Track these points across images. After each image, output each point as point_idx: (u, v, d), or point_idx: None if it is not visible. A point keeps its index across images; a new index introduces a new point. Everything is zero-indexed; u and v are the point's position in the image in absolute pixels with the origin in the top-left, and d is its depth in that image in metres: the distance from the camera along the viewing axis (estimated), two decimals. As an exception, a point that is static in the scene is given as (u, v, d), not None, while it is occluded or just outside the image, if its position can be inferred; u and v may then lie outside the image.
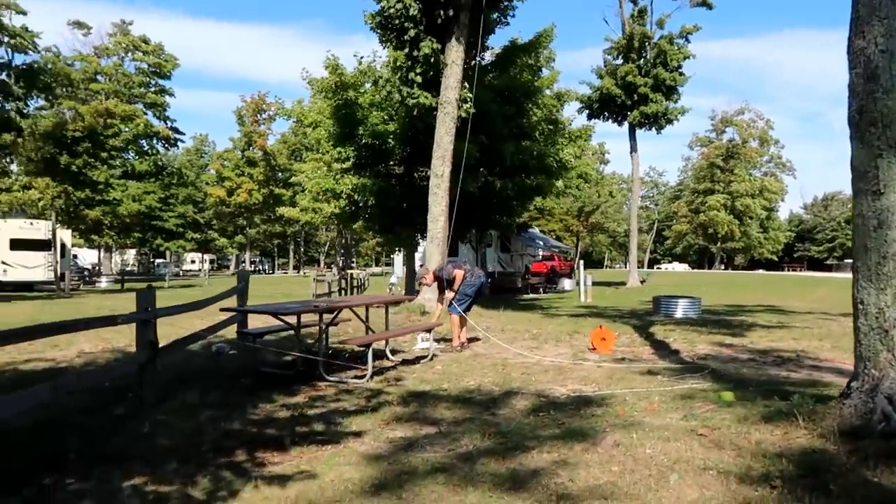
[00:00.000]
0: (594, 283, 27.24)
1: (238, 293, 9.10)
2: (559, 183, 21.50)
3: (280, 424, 5.20)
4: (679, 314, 15.03)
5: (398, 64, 13.11)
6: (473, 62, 13.99)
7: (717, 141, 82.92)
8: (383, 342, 8.03)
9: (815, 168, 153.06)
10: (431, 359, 7.96)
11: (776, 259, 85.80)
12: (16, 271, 30.50)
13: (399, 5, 12.37)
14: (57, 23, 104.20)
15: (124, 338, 10.01)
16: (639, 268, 39.49)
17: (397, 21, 12.61)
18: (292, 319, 6.87)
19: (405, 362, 7.87)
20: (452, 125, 12.76)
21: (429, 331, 8.16)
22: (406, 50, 12.78)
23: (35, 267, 30.97)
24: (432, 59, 12.61)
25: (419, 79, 13.09)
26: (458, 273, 8.92)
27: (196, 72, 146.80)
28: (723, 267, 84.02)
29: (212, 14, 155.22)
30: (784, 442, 4.08)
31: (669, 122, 31.30)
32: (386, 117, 18.03)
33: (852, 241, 4.38)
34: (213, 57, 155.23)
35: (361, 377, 6.91)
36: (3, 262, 30.38)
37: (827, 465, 3.64)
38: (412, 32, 12.57)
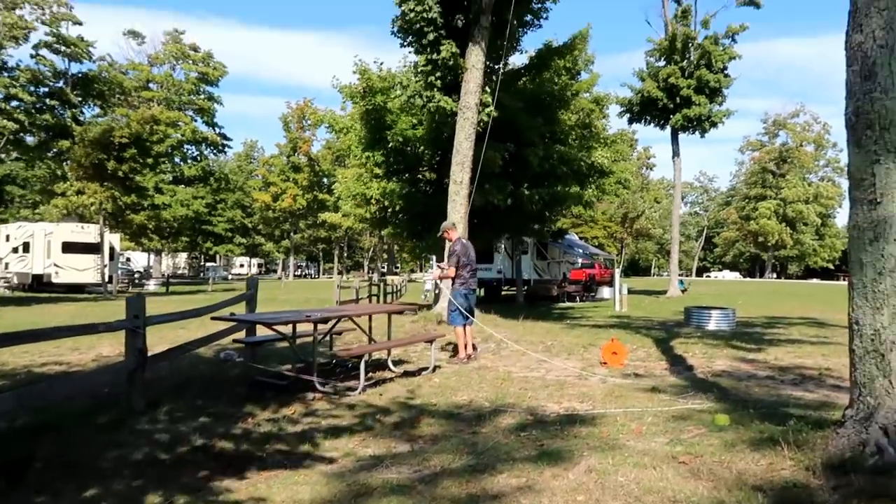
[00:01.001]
0: (634, 292, 26.66)
1: (247, 300, 9.10)
2: (589, 191, 21.02)
3: (255, 440, 5.10)
4: (711, 326, 14.47)
5: (419, 68, 13.01)
6: (498, 66, 13.80)
7: (770, 145, 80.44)
8: (385, 352, 7.89)
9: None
10: (434, 370, 7.78)
11: (832, 268, 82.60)
12: (67, 273, 31.68)
13: (419, 8, 12.26)
14: (115, 32, 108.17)
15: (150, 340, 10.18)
16: (683, 276, 38.51)
17: (417, 24, 12.51)
18: (286, 328, 6.81)
19: (406, 374, 7.71)
20: (472, 130, 12.57)
21: (431, 341, 7.98)
22: (426, 54, 12.66)
23: (85, 269, 32.11)
24: (451, 63, 12.45)
25: (439, 83, 12.95)
26: (448, 272, 8.76)
27: (250, 78, 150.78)
28: (774, 276, 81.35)
29: (265, 21, 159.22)
30: (767, 473, 3.76)
31: (714, 125, 30.35)
32: (415, 122, 17.97)
33: (848, 255, 4.02)
34: (267, 63, 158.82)
35: (356, 388, 6.78)
36: (56, 265, 31.59)
37: (805, 502, 3.33)
38: (431, 36, 12.45)
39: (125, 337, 5.92)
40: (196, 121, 56.03)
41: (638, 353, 9.28)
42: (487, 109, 12.85)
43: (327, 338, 8.49)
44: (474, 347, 9.20)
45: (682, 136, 32.09)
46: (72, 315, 17.66)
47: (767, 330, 13.86)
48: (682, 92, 29.62)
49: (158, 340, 10.65)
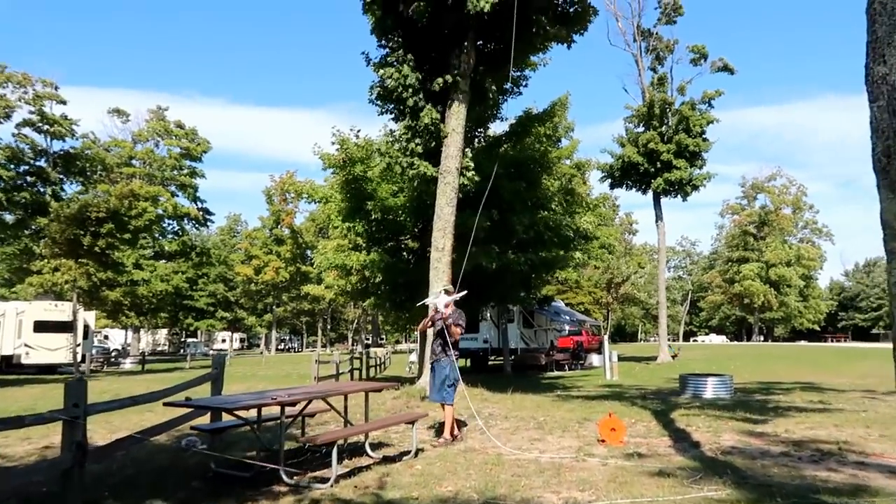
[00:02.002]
0: (623, 359, 25.97)
1: (212, 380, 8.37)
2: (577, 254, 20.66)
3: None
4: (708, 394, 13.83)
5: (398, 135, 12.72)
6: (479, 130, 13.56)
7: (749, 208, 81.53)
8: (361, 436, 7.15)
9: (855, 234, 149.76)
10: (416, 454, 7.03)
11: (818, 329, 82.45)
12: (38, 353, 30.42)
13: (397, 74, 12.09)
14: (101, 111, 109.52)
15: (102, 430, 9.32)
16: (672, 341, 37.94)
17: (396, 91, 12.30)
18: (249, 413, 6.09)
19: (386, 459, 6.96)
20: (454, 195, 12.18)
21: (412, 422, 7.26)
22: (406, 120, 12.40)
23: (57, 349, 30.87)
24: (432, 128, 12.18)
25: (419, 149, 12.64)
26: (456, 330, 7.98)
27: (237, 154, 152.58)
28: (762, 338, 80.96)
29: (252, 99, 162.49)
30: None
31: (695, 188, 30.52)
32: (396, 190, 17.66)
33: (890, 311, 3.49)
34: (254, 140, 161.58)
35: (329, 479, 6.03)
36: (26, 345, 30.36)
37: None
38: (411, 102, 12.23)
39: (62, 429, 5.20)
40: (178, 196, 55.81)
41: (637, 428, 8.58)
42: (469, 173, 12.50)
43: (300, 420, 7.74)
44: (460, 426, 8.48)
45: (663, 201, 32.21)
46: (34, 398, 16.61)
47: (767, 397, 13.23)
48: (662, 156, 29.87)
49: (122, 424, 9.81)
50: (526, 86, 17.45)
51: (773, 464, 6.24)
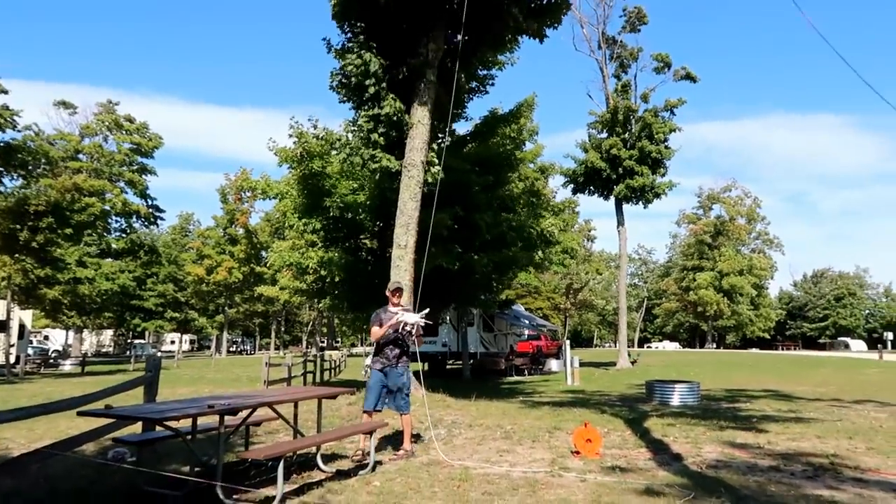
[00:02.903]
0: (583, 364, 25.59)
1: (145, 385, 7.49)
2: (539, 254, 20.19)
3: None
4: (675, 402, 13.42)
5: (360, 123, 11.93)
6: (444, 125, 12.93)
7: (705, 218, 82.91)
8: (313, 448, 6.39)
9: (802, 247, 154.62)
10: (373, 469, 6.31)
11: (768, 337, 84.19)
12: (-32, 355, 28.54)
13: (359, 61, 11.36)
14: (47, 104, 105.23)
15: (23, 438, 8.33)
16: (629, 347, 37.94)
17: (357, 78, 11.55)
18: (183, 423, 5.29)
19: (340, 473, 6.22)
20: (418, 190, 11.47)
21: (370, 433, 6.54)
22: (368, 109, 11.63)
23: (-12, 350, 29.01)
24: (395, 118, 11.45)
25: (382, 140, 11.87)
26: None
27: (192, 153, 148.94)
28: (714, 346, 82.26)
29: (210, 99, 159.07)
30: None
31: (657, 195, 30.46)
32: (356, 187, 16.88)
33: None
34: (211, 140, 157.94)
35: (274, 498, 5.26)
36: (-44, 346, 28.47)
37: None
38: (372, 90, 11.48)
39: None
40: (127, 192, 53.55)
41: (612, 438, 8.02)
42: (434, 169, 11.79)
43: (244, 429, 6.93)
44: (416, 439, 7.77)
45: (624, 208, 32.07)
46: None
47: (736, 405, 12.88)
48: (624, 163, 29.74)
49: (46, 432, 8.83)
50: (493, 85, 16.94)
51: (767, 480, 5.71)
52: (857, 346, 74.37)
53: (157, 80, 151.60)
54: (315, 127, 16.01)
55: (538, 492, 5.39)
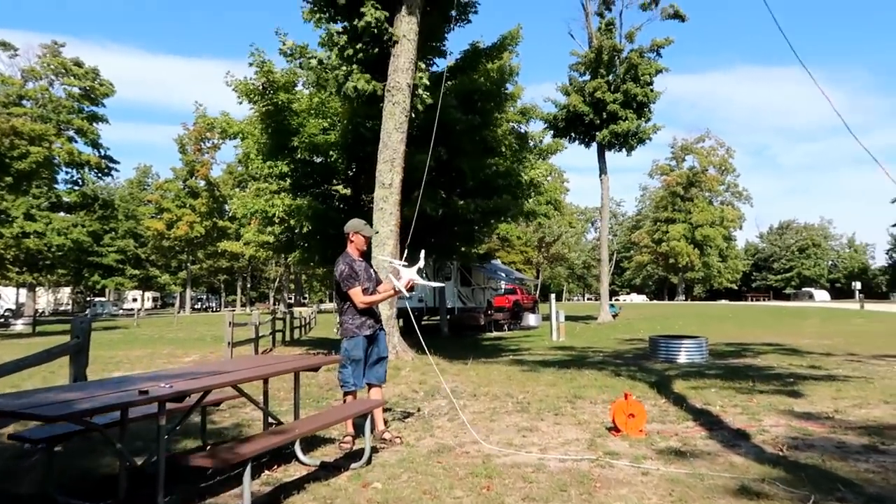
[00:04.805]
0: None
1: (71, 354, 5.90)
2: (529, 202, 18.78)
3: None
4: (682, 359, 12.33)
5: (333, 38, 10.13)
6: (436, 43, 11.19)
7: (678, 169, 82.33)
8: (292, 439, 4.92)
9: (766, 199, 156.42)
10: (369, 461, 4.88)
11: (735, 288, 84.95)
12: None
13: (333, -36, 9.58)
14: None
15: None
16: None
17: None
18: (108, 416, 3.77)
19: (325, 467, 4.79)
20: (404, 119, 9.82)
21: (366, 416, 5.11)
22: (345, 19, 9.85)
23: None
24: (376, 30, 9.70)
25: (361, 55, 10.12)
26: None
27: (149, 105, 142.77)
28: (683, 297, 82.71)
29: (170, 49, 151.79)
30: None
31: (641, 141, 29.11)
32: (326, 126, 15.10)
33: None
34: (168, 90, 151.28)
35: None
36: None
37: None
38: (349, -4, 9.72)
39: None
40: (76, 142, 50.24)
41: (647, 409, 6.74)
42: (423, 93, 10.11)
43: (197, 413, 5.42)
44: (407, 416, 6.35)
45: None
46: None
47: (747, 361, 11.85)
48: (608, 107, 28.20)
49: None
50: (476, 12, 15.16)
51: (878, 466, 4.46)
52: (821, 296, 75.55)
53: (109, 27, 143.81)
54: (283, 43, 13.98)
55: (594, 494, 4.04)
